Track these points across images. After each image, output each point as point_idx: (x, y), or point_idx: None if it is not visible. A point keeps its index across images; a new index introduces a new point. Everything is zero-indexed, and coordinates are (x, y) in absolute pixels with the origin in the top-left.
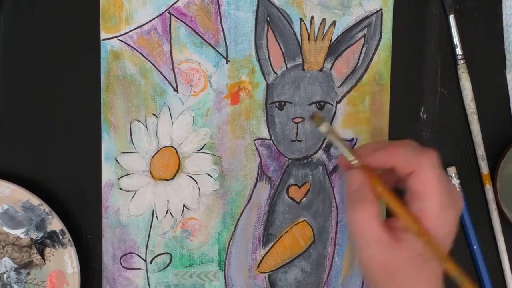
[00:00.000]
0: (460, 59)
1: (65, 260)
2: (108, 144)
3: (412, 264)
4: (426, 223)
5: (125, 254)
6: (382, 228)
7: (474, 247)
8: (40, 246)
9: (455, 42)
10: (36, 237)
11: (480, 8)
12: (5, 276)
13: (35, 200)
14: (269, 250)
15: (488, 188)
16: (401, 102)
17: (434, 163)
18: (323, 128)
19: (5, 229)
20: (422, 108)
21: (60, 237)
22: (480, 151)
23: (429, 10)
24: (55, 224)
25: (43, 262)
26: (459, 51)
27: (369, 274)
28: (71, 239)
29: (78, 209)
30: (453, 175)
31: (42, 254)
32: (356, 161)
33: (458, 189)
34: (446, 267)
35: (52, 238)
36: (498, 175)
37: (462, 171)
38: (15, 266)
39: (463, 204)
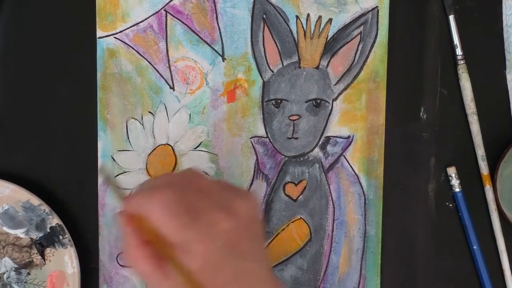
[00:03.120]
0: (460, 59)
1: (65, 260)
2: (104, 142)
3: None
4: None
5: (122, 252)
6: (153, 266)
7: (474, 247)
8: (40, 246)
9: (455, 42)
10: (36, 237)
11: (480, 8)
12: (5, 276)
13: (35, 200)
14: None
15: (488, 188)
16: (401, 102)
17: (161, 201)
18: (102, 176)
19: (5, 229)
20: (422, 108)
21: (60, 237)
22: (480, 151)
23: (429, 10)
24: (55, 224)
25: (43, 262)
26: (459, 51)
27: None
28: (71, 239)
29: (77, 208)
30: (453, 175)
31: (42, 254)
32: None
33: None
34: None
35: (52, 238)
36: (498, 175)
37: (462, 171)
38: (15, 266)
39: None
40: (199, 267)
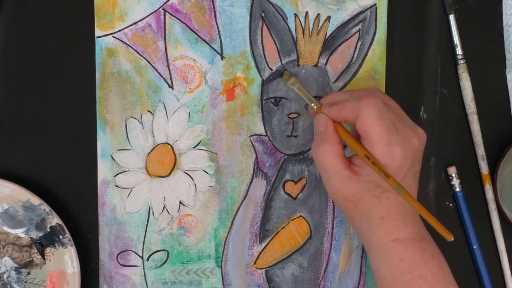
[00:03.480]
0: (460, 59)
1: (65, 260)
2: (103, 142)
3: (371, 194)
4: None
5: (122, 252)
6: (343, 164)
7: (474, 247)
8: (40, 245)
9: (455, 42)
10: (36, 237)
11: (480, 8)
12: (5, 275)
13: (35, 200)
14: (266, 246)
15: (488, 188)
16: (401, 102)
17: (373, 105)
18: (291, 83)
19: (6, 228)
20: (422, 108)
21: (60, 237)
22: (480, 151)
23: (429, 10)
24: (55, 223)
25: (43, 261)
26: (459, 51)
27: (336, 203)
28: (71, 239)
29: (77, 208)
30: (453, 175)
31: (42, 253)
32: (316, 106)
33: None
34: (397, 192)
35: (52, 237)
36: (498, 175)
37: (462, 171)
38: (16, 265)
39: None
40: (395, 169)
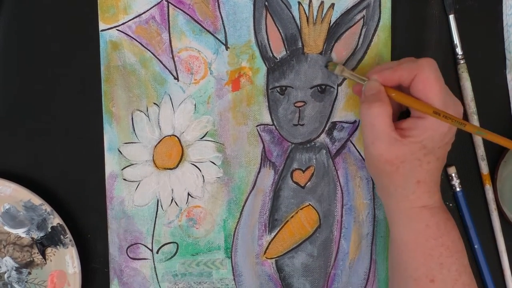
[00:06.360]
0: (460, 59)
1: (66, 260)
2: (110, 135)
3: (414, 156)
4: (429, 119)
5: (132, 245)
6: (392, 127)
7: (476, 246)
8: (41, 245)
9: (455, 42)
10: (37, 237)
11: (480, 8)
12: (6, 275)
13: (36, 200)
14: (275, 236)
15: (488, 188)
16: None
17: (432, 65)
18: (338, 71)
19: (7, 228)
20: None
21: (61, 237)
22: (480, 151)
23: (429, 10)
24: (56, 223)
25: (44, 261)
26: (459, 51)
27: (375, 167)
28: (72, 239)
29: (81, 205)
30: (453, 175)
31: (43, 253)
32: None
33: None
34: (479, 135)
35: (53, 237)
36: (498, 175)
37: (462, 171)
38: (16, 265)
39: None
40: (446, 129)
